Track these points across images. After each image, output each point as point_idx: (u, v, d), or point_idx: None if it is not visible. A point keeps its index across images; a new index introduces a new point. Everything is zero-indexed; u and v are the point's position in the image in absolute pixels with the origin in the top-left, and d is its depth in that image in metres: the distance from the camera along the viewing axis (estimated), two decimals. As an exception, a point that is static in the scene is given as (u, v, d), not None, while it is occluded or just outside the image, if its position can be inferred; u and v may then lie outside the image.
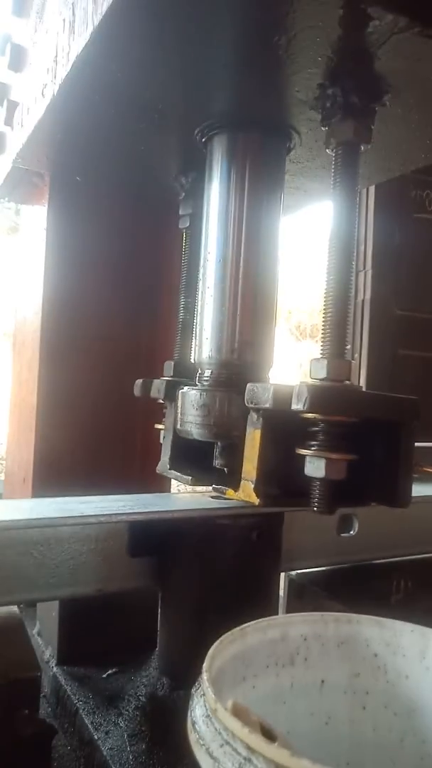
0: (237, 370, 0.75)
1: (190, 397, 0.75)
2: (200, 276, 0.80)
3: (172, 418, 0.84)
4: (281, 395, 0.62)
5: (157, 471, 0.85)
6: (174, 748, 0.58)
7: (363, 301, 1.77)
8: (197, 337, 0.80)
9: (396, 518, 0.82)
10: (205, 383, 0.77)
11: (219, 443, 0.76)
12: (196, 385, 0.78)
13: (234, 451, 0.71)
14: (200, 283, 0.80)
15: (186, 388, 0.77)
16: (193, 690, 0.42)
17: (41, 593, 0.65)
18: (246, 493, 0.67)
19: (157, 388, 0.87)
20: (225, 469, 0.75)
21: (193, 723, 0.38)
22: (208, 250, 0.78)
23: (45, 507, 0.68)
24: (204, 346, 0.77)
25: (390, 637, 0.53)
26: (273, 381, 0.77)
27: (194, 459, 0.83)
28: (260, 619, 0.50)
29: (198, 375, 0.79)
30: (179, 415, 0.77)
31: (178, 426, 0.78)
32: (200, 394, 0.74)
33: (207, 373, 0.77)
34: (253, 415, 0.67)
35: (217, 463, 0.76)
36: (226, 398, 0.73)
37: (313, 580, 0.86)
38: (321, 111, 0.65)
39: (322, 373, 0.62)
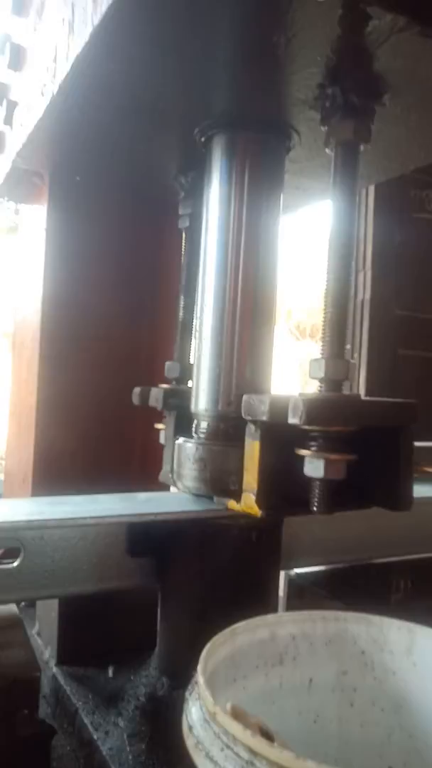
0: (234, 423, 0.72)
1: (187, 450, 0.74)
2: (196, 325, 0.79)
3: (172, 426, 0.84)
4: (278, 408, 0.61)
5: (160, 480, 0.85)
6: (174, 748, 0.58)
7: (363, 300, 1.76)
8: (194, 388, 0.79)
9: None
10: (202, 435, 0.76)
11: (215, 498, 0.74)
12: (192, 437, 0.77)
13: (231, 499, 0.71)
14: (196, 333, 0.79)
15: (182, 439, 0.76)
16: (187, 693, 0.41)
17: (40, 592, 0.65)
18: (248, 504, 0.67)
19: (155, 397, 0.86)
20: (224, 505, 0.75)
21: (191, 727, 0.38)
22: (205, 301, 0.77)
23: (44, 507, 0.68)
24: (200, 397, 0.76)
25: (377, 633, 0.53)
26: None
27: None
28: (250, 620, 0.51)
29: (194, 426, 0.78)
30: (176, 467, 0.77)
31: (174, 477, 0.77)
32: (196, 448, 0.73)
33: (203, 425, 0.76)
34: (251, 427, 0.67)
35: (215, 500, 0.75)
36: (223, 452, 0.72)
37: (313, 580, 0.86)
38: (320, 110, 0.65)
39: (321, 374, 0.62)
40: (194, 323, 0.81)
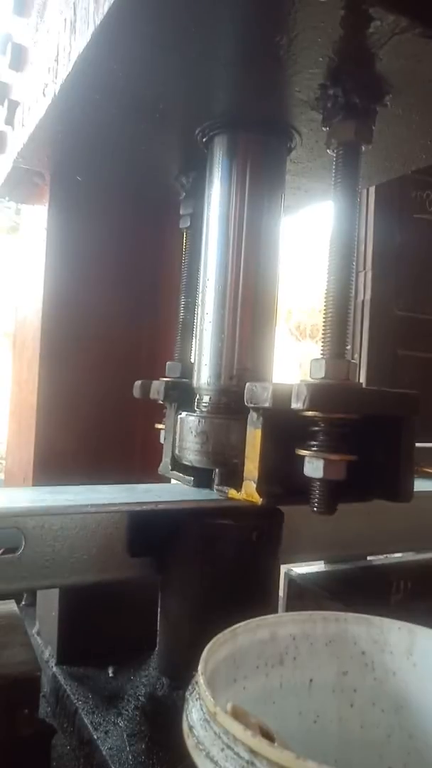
0: (236, 397, 0.73)
1: (189, 423, 0.75)
2: (199, 301, 0.80)
3: (172, 418, 0.84)
4: (281, 394, 0.62)
5: (159, 472, 0.85)
6: (174, 748, 0.58)
7: (363, 301, 1.76)
8: (196, 363, 0.79)
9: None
10: (204, 409, 0.76)
11: (218, 470, 0.75)
12: (195, 410, 0.78)
13: (233, 477, 0.71)
14: (199, 308, 0.80)
15: (184, 414, 0.77)
16: (187, 693, 0.41)
17: (41, 581, 0.65)
18: (248, 492, 0.67)
19: (156, 389, 0.87)
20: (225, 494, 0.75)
21: (191, 727, 0.38)
22: (207, 276, 0.78)
23: (45, 495, 0.68)
24: (203, 371, 0.77)
25: (377, 634, 0.53)
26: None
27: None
28: (250, 620, 0.51)
29: (197, 400, 0.78)
30: (177, 441, 0.77)
31: (177, 452, 0.78)
32: (198, 421, 0.74)
33: (205, 399, 0.77)
34: (253, 415, 0.67)
35: (216, 488, 0.76)
36: (225, 425, 0.72)
37: (314, 580, 0.86)
38: (322, 111, 0.65)
39: (321, 373, 0.62)
40: (198, 298, 0.81)
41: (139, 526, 0.67)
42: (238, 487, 0.69)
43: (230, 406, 0.74)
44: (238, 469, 0.69)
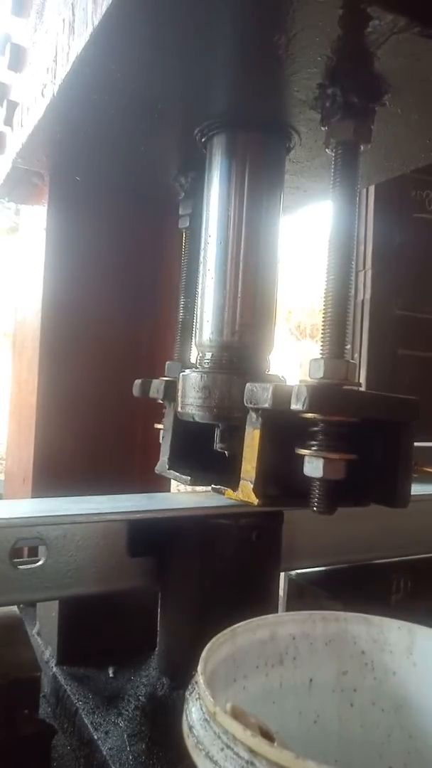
0: (238, 353, 0.75)
1: (191, 379, 0.75)
2: (201, 259, 0.80)
3: (171, 417, 0.84)
4: (281, 395, 0.62)
5: (156, 471, 0.85)
6: (174, 748, 0.58)
7: (363, 300, 1.76)
8: (198, 320, 0.80)
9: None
10: (206, 366, 0.77)
11: (220, 426, 0.76)
12: (197, 368, 0.78)
13: (235, 434, 0.72)
14: (201, 266, 0.80)
15: (187, 371, 0.78)
16: (187, 693, 0.41)
17: (42, 594, 0.65)
18: (245, 493, 0.67)
19: (156, 388, 0.87)
20: (226, 452, 0.75)
21: (191, 727, 0.38)
22: (209, 233, 0.78)
23: (46, 507, 0.68)
24: (205, 328, 0.78)
25: (377, 634, 0.53)
26: (273, 376, 0.77)
27: (193, 459, 0.83)
28: (250, 620, 0.51)
29: (199, 358, 0.79)
30: (180, 398, 0.77)
31: (179, 409, 0.78)
32: (201, 377, 0.74)
33: (208, 355, 0.77)
34: (253, 415, 0.67)
35: (218, 446, 0.76)
36: (227, 380, 0.73)
37: (313, 580, 0.86)
38: (321, 111, 0.65)
39: (320, 373, 0.62)
40: (200, 256, 0.81)
41: (139, 537, 0.68)
42: (236, 487, 0.69)
43: (232, 362, 0.75)
44: (239, 425, 0.69)
